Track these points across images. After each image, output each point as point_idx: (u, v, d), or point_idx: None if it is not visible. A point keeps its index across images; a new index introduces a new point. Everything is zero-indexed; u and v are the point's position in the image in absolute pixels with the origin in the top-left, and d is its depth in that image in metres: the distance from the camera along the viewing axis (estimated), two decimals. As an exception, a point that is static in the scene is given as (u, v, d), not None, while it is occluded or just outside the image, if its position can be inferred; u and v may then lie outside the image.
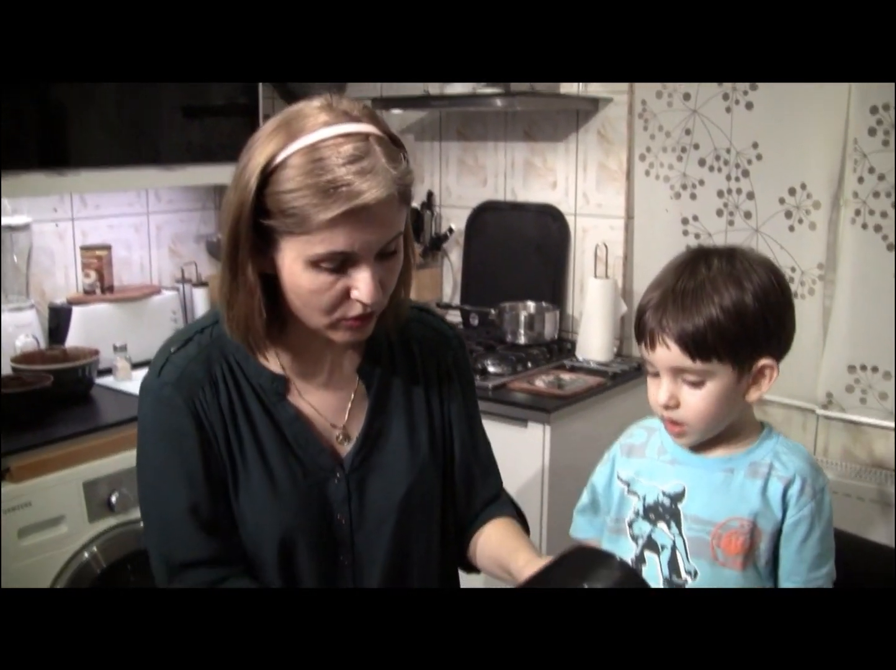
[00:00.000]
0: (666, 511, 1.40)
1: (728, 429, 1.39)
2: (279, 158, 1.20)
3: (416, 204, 3.38)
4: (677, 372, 1.32)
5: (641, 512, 1.42)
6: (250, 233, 1.24)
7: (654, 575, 1.39)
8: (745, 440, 1.40)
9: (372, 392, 1.43)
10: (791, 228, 2.74)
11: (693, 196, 2.92)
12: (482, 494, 1.53)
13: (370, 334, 1.34)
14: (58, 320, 2.83)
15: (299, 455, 1.37)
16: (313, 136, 1.19)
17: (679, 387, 1.33)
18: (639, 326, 1.35)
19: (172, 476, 1.33)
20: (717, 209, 2.87)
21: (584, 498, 1.54)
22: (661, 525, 1.40)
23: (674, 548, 1.39)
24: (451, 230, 3.41)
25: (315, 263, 1.22)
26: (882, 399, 2.65)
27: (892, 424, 2.66)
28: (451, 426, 1.49)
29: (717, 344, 1.29)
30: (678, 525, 1.39)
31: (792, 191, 2.72)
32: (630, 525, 1.43)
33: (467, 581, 1.58)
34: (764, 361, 1.34)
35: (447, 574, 1.53)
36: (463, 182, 3.43)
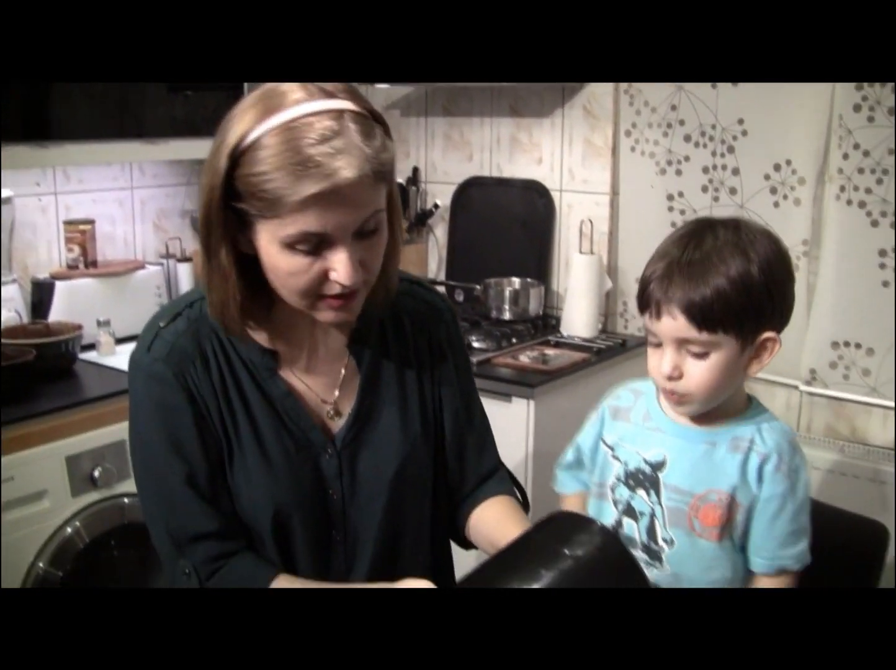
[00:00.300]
0: (646, 478, 1.40)
1: (726, 401, 1.38)
2: (250, 139, 1.17)
3: (401, 179, 3.38)
4: (682, 343, 1.31)
5: (623, 477, 1.42)
6: (222, 217, 1.22)
7: (633, 540, 1.40)
8: (731, 413, 1.39)
9: (363, 368, 1.42)
10: (776, 204, 2.74)
11: (678, 172, 2.92)
12: (477, 470, 1.52)
13: (357, 313, 1.32)
14: (41, 295, 2.80)
15: (292, 430, 1.36)
16: (285, 114, 1.16)
17: (683, 359, 1.32)
18: (643, 296, 1.34)
19: (168, 450, 1.32)
20: (702, 185, 2.87)
21: (569, 456, 1.53)
22: (641, 492, 1.40)
23: (652, 516, 1.39)
24: (436, 206, 3.41)
25: (290, 245, 1.20)
26: (865, 375, 2.66)
27: (874, 401, 2.67)
28: (442, 401, 1.48)
29: (724, 315, 1.28)
30: (657, 493, 1.39)
31: (777, 168, 2.72)
32: (612, 489, 1.43)
33: (461, 556, 1.58)
34: (767, 334, 1.33)
35: (439, 550, 1.53)
36: (448, 157, 3.42)
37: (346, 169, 1.14)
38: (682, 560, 1.38)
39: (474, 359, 2.65)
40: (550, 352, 2.83)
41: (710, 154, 2.84)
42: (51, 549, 2.24)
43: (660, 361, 1.34)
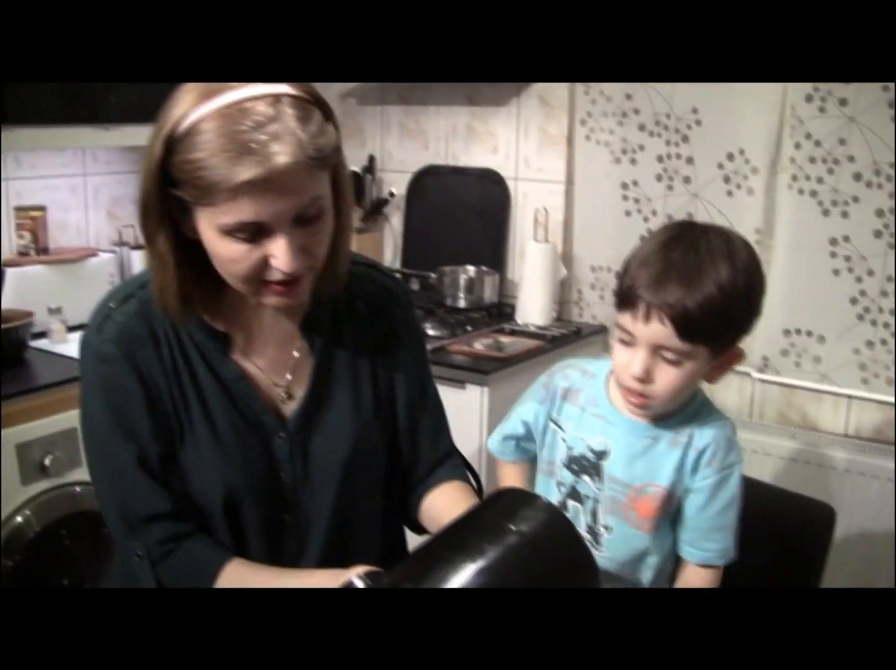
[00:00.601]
0: (590, 465, 1.41)
1: None
2: (185, 124, 1.14)
3: (356, 168, 3.37)
4: (658, 348, 1.30)
5: (567, 461, 1.44)
6: (159, 204, 1.20)
7: (577, 522, 1.41)
8: (676, 408, 1.39)
9: (315, 351, 1.41)
10: (729, 193, 2.76)
11: (633, 161, 2.93)
12: (430, 455, 1.51)
13: (304, 298, 1.31)
14: (-10, 282, 2.78)
15: (244, 413, 1.35)
16: (221, 99, 1.14)
17: (655, 363, 1.31)
18: (628, 297, 1.30)
19: (118, 432, 1.31)
20: (656, 174, 2.89)
21: (519, 429, 1.53)
22: (585, 477, 1.42)
23: (596, 501, 1.41)
24: (391, 194, 3.40)
25: (228, 233, 1.18)
26: (816, 363, 2.69)
27: (825, 387, 2.71)
28: (396, 386, 1.47)
29: (709, 328, 1.27)
30: (601, 481, 1.40)
31: (730, 157, 2.74)
32: (558, 470, 1.45)
33: (416, 540, 1.57)
34: (737, 347, 1.34)
35: (393, 535, 1.53)
36: (404, 146, 3.41)
37: (280, 155, 1.12)
38: (618, 546, 1.41)
39: (428, 347, 2.64)
40: (505, 339, 2.83)
41: (665, 143, 2.86)
42: (1, 538, 2.21)
43: (629, 360, 1.32)
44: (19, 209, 2.85)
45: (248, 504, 1.35)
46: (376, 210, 3.42)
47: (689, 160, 2.82)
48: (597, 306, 3.11)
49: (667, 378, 1.31)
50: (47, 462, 2.26)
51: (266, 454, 1.36)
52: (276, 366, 1.39)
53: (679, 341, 1.28)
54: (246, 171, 1.11)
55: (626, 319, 1.32)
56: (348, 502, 1.41)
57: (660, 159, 2.87)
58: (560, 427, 1.46)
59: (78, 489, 2.31)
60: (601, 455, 1.40)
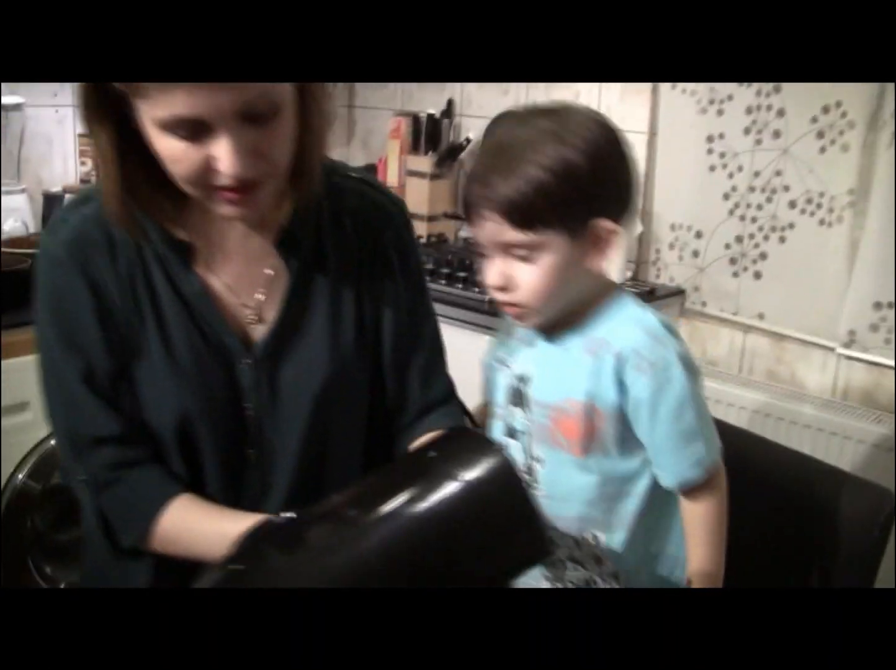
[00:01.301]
0: (517, 395, 1.28)
1: (574, 302, 1.25)
2: None
3: (434, 111, 3.26)
4: (505, 248, 1.18)
5: (502, 397, 1.31)
6: (95, 95, 1.08)
7: (516, 462, 1.29)
8: (586, 311, 1.25)
9: (292, 270, 1.27)
10: (822, 150, 2.55)
11: (720, 112, 2.74)
12: (421, 397, 1.36)
13: (262, 210, 1.18)
14: (51, 208, 2.75)
15: (206, 332, 1.23)
16: None
17: (511, 265, 1.19)
18: (462, 199, 1.22)
19: (65, 343, 1.21)
20: (744, 127, 2.69)
21: None
22: (517, 410, 1.29)
23: (528, 434, 1.28)
24: (468, 140, 3.26)
25: (166, 128, 1.05)
26: (908, 340, 2.49)
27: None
28: (383, 315, 1.33)
29: (542, 209, 1.15)
30: (529, 408, 1.27)
31: (825, 110, 2.53)
32: (500, 410, 1.33)
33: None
34: (600, 223, 1.19)
35: None
36: (484, 91, 3.27)
37: None
38: (553, 478, 1.26)
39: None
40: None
41: (755, 94, 2.65)
42: (31, 461, 2.19)
43: (487, 271, 1.21)
44: (83, 136, 2.82)
45: (205, 433, 1.23)
46: (451, 155, 3.28)
47: (781, 112, 2.61)
48: (675, 267, 2.93)
49: (528, 277, 1.19)
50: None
51: (227, 380, 1.24)
52: (244, 283, 1.26)
53: (516, 232, 1.16)
54: None
55: (469, 227, 1.22)
56: (320, 441, 1.28)
57: (749, 111, 2.67)
58: (500, 362, 1.34)
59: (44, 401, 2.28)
60: (524, 379, 1.27)
